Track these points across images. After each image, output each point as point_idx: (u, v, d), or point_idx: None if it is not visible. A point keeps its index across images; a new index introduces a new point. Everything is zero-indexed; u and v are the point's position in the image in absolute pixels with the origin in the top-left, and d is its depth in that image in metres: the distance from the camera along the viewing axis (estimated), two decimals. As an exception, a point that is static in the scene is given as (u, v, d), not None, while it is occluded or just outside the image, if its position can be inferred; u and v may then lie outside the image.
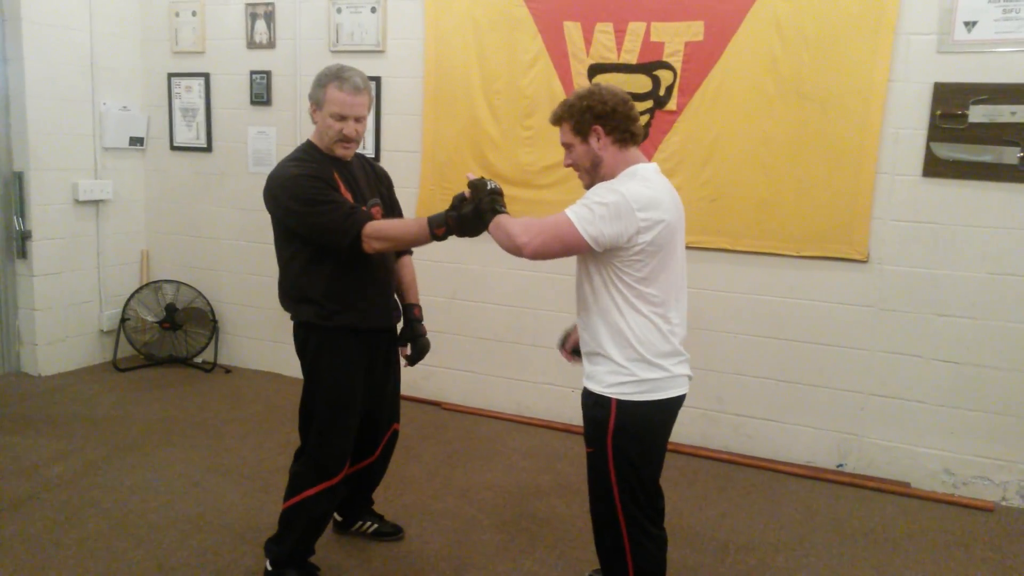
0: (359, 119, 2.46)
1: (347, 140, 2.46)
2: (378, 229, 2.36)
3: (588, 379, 2.16)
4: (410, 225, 2.38)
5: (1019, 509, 3.46)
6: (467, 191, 2.24)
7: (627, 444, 2.10)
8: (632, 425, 2.09)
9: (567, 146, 2.19)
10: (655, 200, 2.02)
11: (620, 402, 2.07)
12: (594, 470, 2.18)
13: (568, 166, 2.23)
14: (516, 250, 2.05)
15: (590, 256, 2.09)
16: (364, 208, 2.47)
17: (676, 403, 2.16)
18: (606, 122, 2.09)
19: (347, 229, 2.33)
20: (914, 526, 3.28)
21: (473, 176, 2.29)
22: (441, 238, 2.30)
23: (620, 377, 2.08)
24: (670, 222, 2.05)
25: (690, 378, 2.20)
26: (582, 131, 2.12)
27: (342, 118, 2.42)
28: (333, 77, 2.41)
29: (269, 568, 2.63)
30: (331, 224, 2.34)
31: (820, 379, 3.75)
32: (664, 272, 2.08)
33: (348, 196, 2.46)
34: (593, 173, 2.16)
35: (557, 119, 2.19)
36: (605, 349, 2.10)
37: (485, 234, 2.21)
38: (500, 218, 2.13)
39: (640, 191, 2.01)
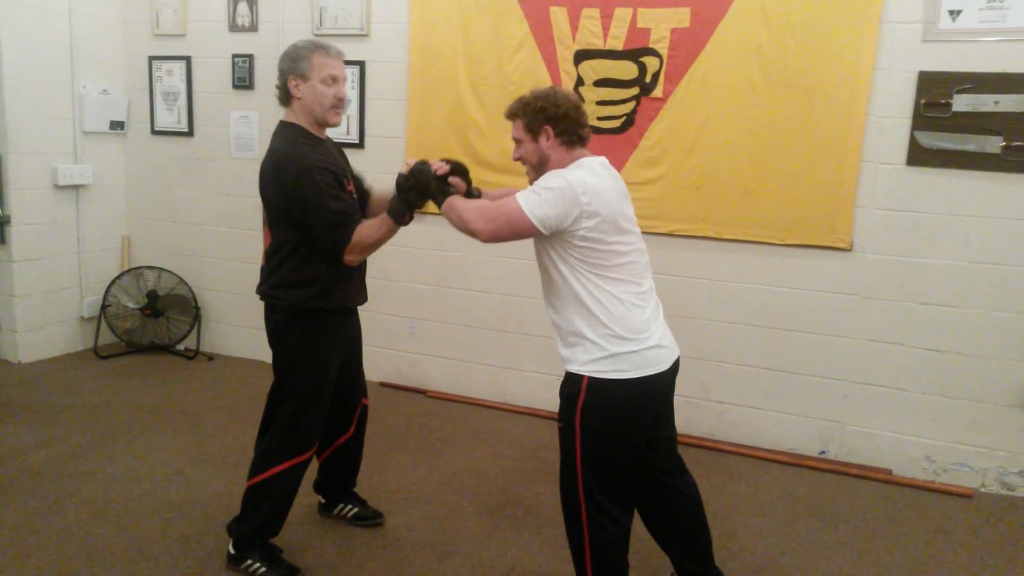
0: (344, 84, 2.51)
1: (340, 104, 2.48)
2: (358, 242, 2.41)
3: (567, 363, 2.20)
4: (380, 228, 2.42)
5: (998, 496, 3.51)
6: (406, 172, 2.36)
7: (595, 420, 2.13)
8: (601, 402, 2.12)
9: (517, 141, 2.29)
10: (599, 189, 2.10)
11: (592, 379, 2.12)
12: (562, 445, 2.22)
13: (516, 160, 2.33)
14: (471, 234, 2.17)
15: (550, 243, 2.15)
16: (349, 184, 2.51)
17: (654, 382, 2.15)
18: (556, 124, 2.20)
19: (338, 238, 2.39)
20: (895, 512, 3.31)
21: (413, 161, 2.37)
22: (408, 223, 2.42)
23: (594, 354, 2.12)
24: (614, 211, 2.12)
25: (662, 348, 2.18)
26: (533, 130, 2.23)
27: (335, 80, 2.45)
28: (313, 47, 2.44)
29: (232, 551, 2.61)
30: (327, 229, 2.38)
31: (803, 367, 3.77)
32: (626, 253, 2.15)
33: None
34: (539, 169, 2.26)
35: (512, 114, 2.28)
36: (579, 330, 2.15)
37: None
38: (453, 200, 2.25)
39: (585, 178, 2.10)
